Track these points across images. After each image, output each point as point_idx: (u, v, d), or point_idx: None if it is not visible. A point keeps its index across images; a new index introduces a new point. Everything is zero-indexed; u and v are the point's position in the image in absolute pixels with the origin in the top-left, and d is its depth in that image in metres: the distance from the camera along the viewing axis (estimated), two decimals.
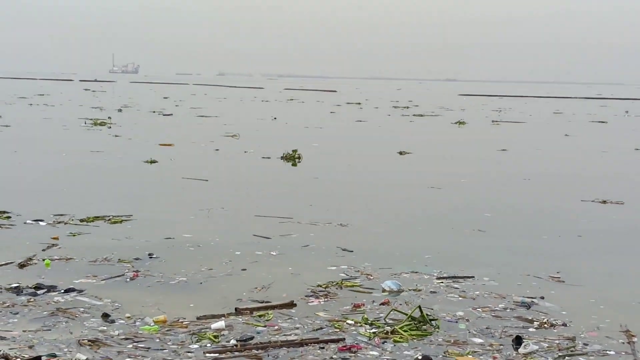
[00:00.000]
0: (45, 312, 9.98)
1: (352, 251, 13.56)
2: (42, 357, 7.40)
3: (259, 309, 10.35)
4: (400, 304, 10.36)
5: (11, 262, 12.34)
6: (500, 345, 9.00)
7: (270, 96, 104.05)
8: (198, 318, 9.92)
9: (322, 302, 10.60)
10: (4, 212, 15.87)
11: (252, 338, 9.25)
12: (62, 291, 10.92)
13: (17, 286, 11.02)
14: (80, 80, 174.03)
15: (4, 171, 23.46)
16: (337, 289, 11.23)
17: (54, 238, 13.91)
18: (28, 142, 31.53)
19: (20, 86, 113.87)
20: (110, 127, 40.22)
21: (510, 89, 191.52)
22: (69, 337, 9.05)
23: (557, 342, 9.05)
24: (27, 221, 15.27)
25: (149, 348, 8.83)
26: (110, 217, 15.89)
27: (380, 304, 10.49)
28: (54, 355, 8.37)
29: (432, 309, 10.19)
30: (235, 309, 10.28)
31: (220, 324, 9.66)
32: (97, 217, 15.82)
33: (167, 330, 9.45)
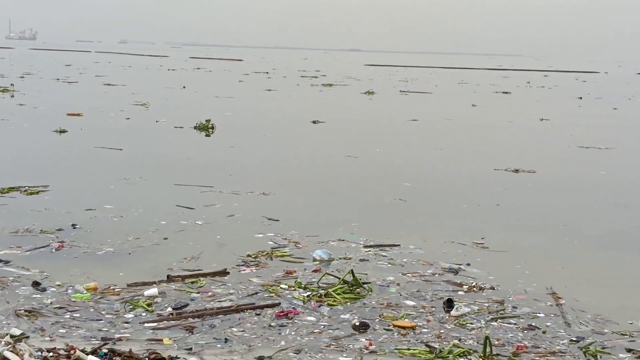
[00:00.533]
0: None
1: (277, 220, 13.64)
2: None
3: (191, 276, 10.36)
4: (332, 271, 10.50)
5: None
6: (432, 307, 9.27)
7: (176, 65, 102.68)
8: (129, 285, 9.89)
9: (254, 271, 10.66)
10: None
11: (187, 305, 9.27)
12: None
13: None
14: None
15: None
16: (267, 259, 11.30)
17: None
18: None
19: None
20: (13, 96, 39.03)
21: (414, 60, 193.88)
22: (6, 308, 8.94)
23: (486, 305, 9.37)
24: None
25: (85, 318, 8.75)
26: (26, 187, 15.51)
27: (312, 271, 10.63)
28: None
29: (366, 274, 10.39)
30: (167, 276, 10.28)
31: (153, 290, 9.65)
32: (12, 187, 15.42)
33: (99, 298, 9.40)
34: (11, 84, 43.79)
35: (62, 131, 25.15)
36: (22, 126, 26.77)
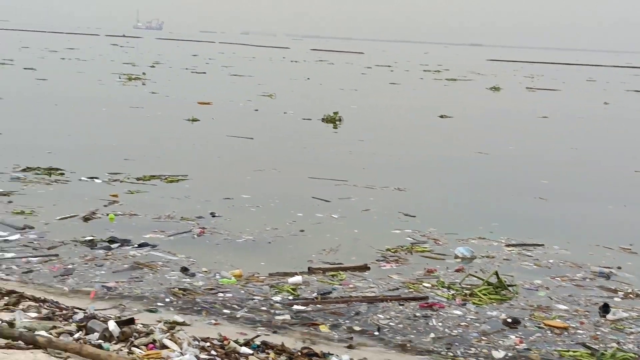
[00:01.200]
0: (125, 265, 10.04)
1: (414, 216, 13.45)
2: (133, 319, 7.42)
3: (331, 269, 10.30)
4: (476, 271, 10.24)
5: (75, 215, 12.35)
6: (586, 312, 8.90)
7: (298, 56, 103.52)
8: (271, 274, 9.94)
9: (394, 267, 10.51)
10: (57, 169, 15.79)
11: (330, 293, 9.26)
12: (136, 245, 10.94)
13: (92, 239, 11.06)
14: (107, 35, 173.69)
15: (49, 126, 23.36)
16: (407, 254, 11.13)
17: (114, 195, 13.84)
18: (66, 96, 31.48)
19: (48, 40, 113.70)
20: (144, 84, 40.10)
21: (538, 56, 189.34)
22: (159, 288, 9.16)
23: None
24: (82, 178, 15.22)
25: (237, 298, 8.97)
26: (166, 176, 15.80)
27: (455, 271, 10.39)
28: (154, 311, 8.37)
29: (512, 276, 10.08)
30: (308, 268, 10.26)
31: (297, 278, 9.70)
32: (153, 176, 15.74)
33: (245, 284, 9.50)
34: (143, 73, 45.00)
35: (195, 120, 25.62)
36: (156, 114, 27.39)
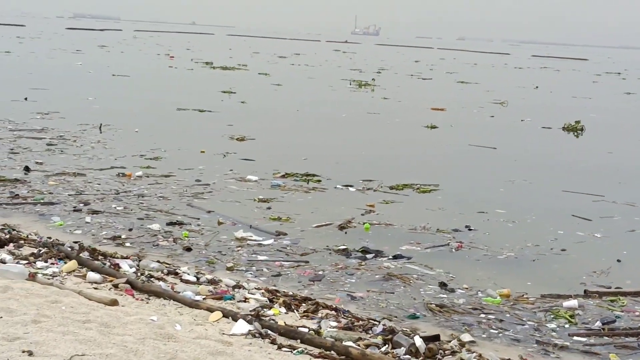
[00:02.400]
0: (377, 276, 9.93)
1: None
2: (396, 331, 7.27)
3: (609, 293, 9.65)
4: None
5: (330, 224, 12.41)
6: None
7: (520, 63, 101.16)
8: (543, 296, 9.45)
9: None
10: (313, 175, 16.03)
11: (614, 321, 8.62)
12: (390, 257, 10.80)
13: (345, 249, 11.05)
14: (327, 41, 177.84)
15: (297, 133, 23.90)
16: None
17: (370, 205, 13.82)
18: (306, 101, 32.21)
19: (275, 46, 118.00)
20: (373, 90, 40.43)
21: None
22: (411, 302, 9.01)
23: None
24: (337, 186, 15.34)
25: (501, 320, 8.58)
26: (418, 185, 15.62)
27: None
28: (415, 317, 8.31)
29: None
30: (585, 291, 9.68)
31: (573, 302, 9.14)
32: (405, 185, 15.61)
33: (512, 305, 9.10)
34: (372, 79, 45.41)
35: (433, 127, 25.39)
36: (394, 120, 27.40)
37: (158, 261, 9.55)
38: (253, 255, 10.58)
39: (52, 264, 8.79)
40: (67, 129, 20.24)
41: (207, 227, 11.84)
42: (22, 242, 9.61)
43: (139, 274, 8.73)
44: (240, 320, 7.04)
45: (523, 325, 8.51)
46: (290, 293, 8.75)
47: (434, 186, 15.64)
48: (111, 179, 14.75)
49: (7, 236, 9.72)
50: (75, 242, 10.11)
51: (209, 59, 60.41)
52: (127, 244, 10.69)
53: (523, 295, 9.45)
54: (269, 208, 13.26)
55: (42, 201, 12.70)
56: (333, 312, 8.07)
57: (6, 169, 14.96)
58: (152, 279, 8.58)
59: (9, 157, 16.12)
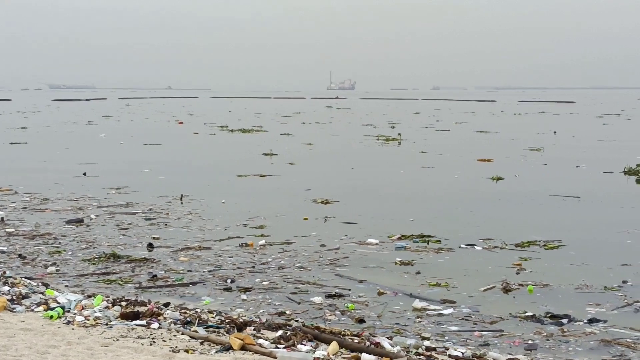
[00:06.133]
0: (592, 342, 9.52)
1: None
2: None
3: None
4: None
5: (494, 287, 11.95)
6: None
7: (514, 109, 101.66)
8: None
9: None
10: (429, 235, 15.59)
11: None
12: (586, 321, 10.33)
13: (533, 315, 10.61)
14: (312, 98, 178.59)
15: (376, 191, 23.43)
16: None
17: (518, 264, 13.40)
18: (351, 160, 31.85)
19: (265, 105, 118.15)
20: (400, 143, 40.20)
21: None
22: None
23: None
24: (461, 245, 14.88)
25: None
26: (542, 242, 15.18)
27: None
28: None
29: None
30: None
31: None
32: (530, 242, 15.17)
33: None
34: (399, 134, 45.27)
35: (499, 178, 25.03)
36: (454, 173, 27.10)
37: (425, 338, 9.08)
38: (441, 326, 10.08)
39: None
40: (150, 202, 19.71)
41: (367, 297, 11.38)
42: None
43: (405, 352, 8.24)
44: None
45: None
46: None
47: (557, 241, 15.20)
48: (236, 249, 14.37)
49: (242, 320, 9.24)
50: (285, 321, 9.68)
51: (220, 123, 60.10)
52: (295, 320, 10.14)
53: None
54: (419, 273, 12.80)
55: (186, 282, 12.14)
56: None
57: (127, 247, 14.39)
58: (422, 356, 8.07)
59: (122, 235, 15.55)
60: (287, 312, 10.56)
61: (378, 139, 42.96)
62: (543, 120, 70.12)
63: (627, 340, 9.53)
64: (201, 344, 8.77)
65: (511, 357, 8.60)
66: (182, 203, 19.70)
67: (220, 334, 9.12)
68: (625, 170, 26.67)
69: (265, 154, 33.39)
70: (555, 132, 49.95)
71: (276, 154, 33.29)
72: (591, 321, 10.32)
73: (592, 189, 22.97)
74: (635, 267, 13.26)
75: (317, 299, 11.14)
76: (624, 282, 12.24)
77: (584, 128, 55.16)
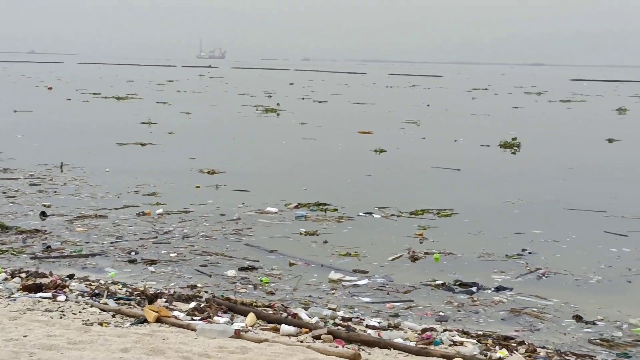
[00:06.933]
0: (502, 312, 9.71)
1: None
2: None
3: None
4: None
5: (401, 255, 12.12)
6: None
7: (386, 82, 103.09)
8: None
9: None
10: (325, 204, 15.65)
11: None
12: (494, 289, 10.60)
13: (444, 283, 10.79)
14: (183, 66, 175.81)
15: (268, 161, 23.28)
16: None
17: (420, 234, 13.59)
18: (227, 131, 31.56)
19: (133, 73, 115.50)
20: (279, 115, 40.10)
21: (613, 74, 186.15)
22: (570, 339, 8.81)
23: None
24: (360, 214, 15.01)
25: None
26: (434, 210, 15.49)
27: None
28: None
29: None
30: None
31: None
32: (423, 210, 15.46)
33: None
34: (277, 104, 45.12)
35: (381, 151, 25.32)
36: (337, 145, 27.27)
37: (332, 308, 8.99)
38: (354, 297, 10.11)
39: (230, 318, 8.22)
40: (29, 169, 19.06)
41: (280, 269, 11.29)
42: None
43: (323, 323, 8.18)
44: None
45: None
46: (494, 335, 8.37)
47: (449, 210, 15.55)
48: (134, 218, 14.10)
49: (153, 292, 8.95)
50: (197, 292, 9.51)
51: (92, 90, 58.34)
52: (204, 291, 9.98)
53: None
54: (326, 242, 12.84)
55: (85, 253, 11.70)
56: (551, 351, 7.74)
57: (18, 216, 13.80)
58: (339, 327, 8.04)
59: (10, 203, 14.88)
60: (199, 285, 10.33)
61: (257, 109, 42.73)
62: (415, 93, 71.52)
63: (534, 309, 9.78)
64: (113, 316, 8.49)
65: (426, 326, 8.68)
66: (62, 171, 19.03)
67: (131, 307, 8.85)
68: (501, 143, 27.52)
69: (144, 123, 32.59)
70: (428, 105, 51.05)
71: (155, 123, 32.55)
72: (498, 289, 10.60)
73: (472, 162, 23.54)
74: (528, 235, 13.70)
75: (231, 272, 10.96)
76: (523, 250, 12.64)
77: (455, 102, 56.46)
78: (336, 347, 7.46)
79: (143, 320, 8.33)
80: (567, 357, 7.87)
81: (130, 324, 8.23)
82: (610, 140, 30.09)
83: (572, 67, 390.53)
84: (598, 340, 8.74)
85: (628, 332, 9.10)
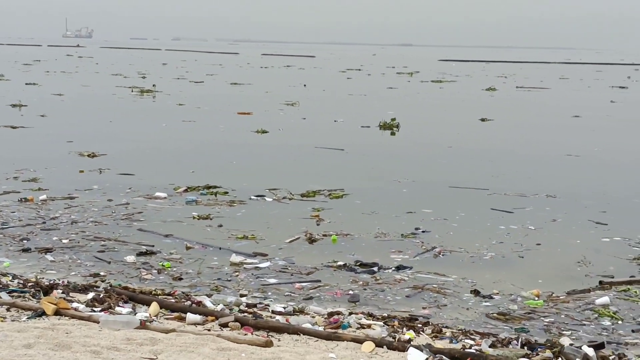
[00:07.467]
0: (406, 289, 9.85)
1: None
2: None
3: (619, 283, 10.22)
4: None
5: (299, 238, 12.07)
6: None
7: (260, 62, 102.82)
8: (568, 293, 9.79)
9: None
10: (215, 186, 15.45)
11: None
12: (394, 269, 10.70)
13: (345, 264, 10.81)
14: (49, 45, 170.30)
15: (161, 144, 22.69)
16: None
17: (316, 216, 13.57)
18: (102, 112, 30.74)
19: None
20: (155, 96, 39.34)
21: (478, 55, 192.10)
22: (473, 314, 9.01)
23: None
24: (252, 197, 14.88)
25: (565, 323, 8.82)
26: (325, 191, 15.54)
27: None
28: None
29: None
30: (600, 282, 10.25)
31: (604, 299, 9.50)
32: (314, 192, 15.47)
33: (555, 305, 9.32)
34: (153, 85, 44.19)
35: (264, 131, 25.19)
36: (217, 128, 26.89)
37: (243, 295, 8.84)
38: (260, 280, 10.02)
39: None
40: None
41: (179, 253, 11.05)
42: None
43: (228, 310, 8.04)
44: (412, 349, 6.68)
45: (584, 325, 8.71)
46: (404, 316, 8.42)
47: (340, 191, 15.63)
48: (16, 205, 13.51)
49: (47, 283, 8.53)
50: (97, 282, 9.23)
51: None
52: (101, 280, 9.68)
53: (552, 295, 9.72)
54: (221, 226, 12.64)
55: None
56: (457, 331, 7.85)
57: None
58: (245, 314, 7.92)
59: None
60: (102, 274, 10.00)
61: (132, 91, 41.76)
62: (291, 73, 71.62)
63: (434, 286, 9.94)
64: (8, 310, 8.07)
65: (332, 310, 8.65)
66: None
67: (26, 299, 8.46)
68: (381, 124, 27.82)
69: (14, 105, 31.29)
70: (305, 85, 51.22)
71: (25, 105, 31.30)
72: (399, 268, 10.71)
73: (354, 142, 23.69)
74: (419, 214, 13.88)
75: (130, 258, 10.66)
76: (417, 229, 12.78)
77: (330, 82, 56.86)
78: (245, 334, 7.33)
79: (41, 314, 7.94)
80: (471, 336, 7.96)
81: (28, 318, 7.84)
82: (483, 120, 30.93)
83: (440, 48, 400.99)
84: (496, 315, 8.94)
85: (522, 304, 9.37)
